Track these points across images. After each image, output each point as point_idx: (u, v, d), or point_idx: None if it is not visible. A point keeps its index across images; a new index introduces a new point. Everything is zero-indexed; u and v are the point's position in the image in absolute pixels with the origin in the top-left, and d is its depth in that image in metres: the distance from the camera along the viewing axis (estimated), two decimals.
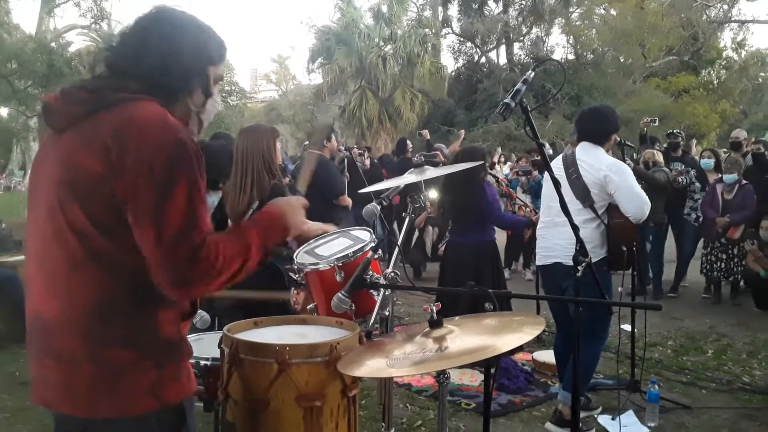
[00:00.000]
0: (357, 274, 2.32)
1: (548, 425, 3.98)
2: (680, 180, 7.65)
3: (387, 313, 2.57)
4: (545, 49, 29.57)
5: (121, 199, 1.50)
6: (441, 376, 2.17)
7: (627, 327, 5.26)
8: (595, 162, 3.84)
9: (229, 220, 3.96)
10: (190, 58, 1.64)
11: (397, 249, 2.56)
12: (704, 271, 7.55)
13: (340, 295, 2.26)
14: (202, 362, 2.37)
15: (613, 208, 3.83)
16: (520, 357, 5.22)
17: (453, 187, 5.13)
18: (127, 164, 1.48)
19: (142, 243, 1.50)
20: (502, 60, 30.10)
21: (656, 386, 4.10)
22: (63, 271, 1.54)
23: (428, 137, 11.04)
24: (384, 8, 25.47)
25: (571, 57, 29.34)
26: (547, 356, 4.97)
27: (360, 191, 3.35)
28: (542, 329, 1.91)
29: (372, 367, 1.90)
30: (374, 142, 23.08)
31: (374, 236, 2.83)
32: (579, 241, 2.56)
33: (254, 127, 3.97)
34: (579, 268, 2.60)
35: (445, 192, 5.19)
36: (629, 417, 4.06)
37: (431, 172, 2.75)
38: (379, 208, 2.67)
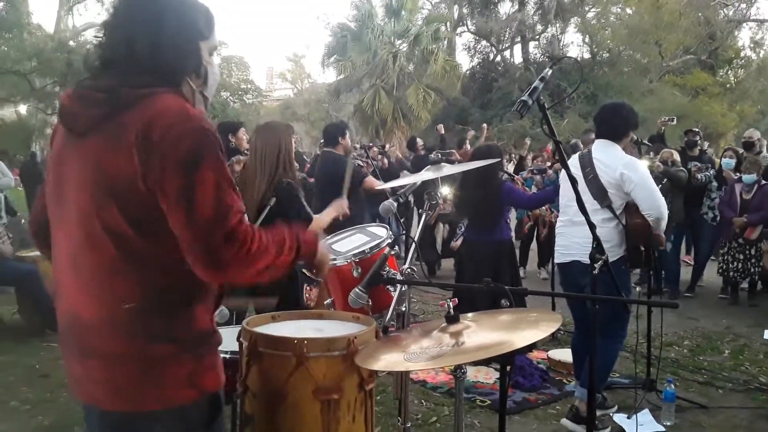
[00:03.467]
0: (374, 270, 2.34)
1: (564, 421, 3.98)
2: (699, 177, 7.58)
3: (403, 309, 2.59)
4: (560, 47, 29.42)
5: (152, 191, 1.51)
6: (458, 371, 2.18)
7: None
8: (612, 161, 3.82)
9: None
10: (179, 38, 1.60)
11: (413, 245, 2.57)
12: (720, 271, 7.50)
13: (357, 290, 2.28)
14: (221, 355, 2.40)
15: (630, 208, 3.81)
16: (535, 355, 5.22)
17: (470, 185, 5.13)
18: (155, 156, 1.49)
19: (174, 226, 1.52)
20: (518, 59, 30.04)
21: (672, 385, 4.08)
22: (101, 273, 1.56)
23: (442, 132, 11.04)
24: (395, 3, 25.35)
25: (586, 56, 29.18)
26: (563, 354, 4.96)
27: (376, 188, 3.38)
28: (558, 326, 1.92)
29: (389, 361, 1.92)
30: (388, 140, 23.08)
31: (390, 233, 2.85)
32: (596, 239, 2.56)
33: (270, 124, 4.00)
34: (595, 266, 2.60)
35: (461, 190, 5.19)
36: (645, 416, 4.05)
37: (448, 170, 2.76)
38: (395, 204, 2.69)
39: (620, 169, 3.76)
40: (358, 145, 10.84)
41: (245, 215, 1.59)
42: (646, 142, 5.27)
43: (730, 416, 4.18)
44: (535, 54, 29.93)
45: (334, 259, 2.60)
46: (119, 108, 1.54)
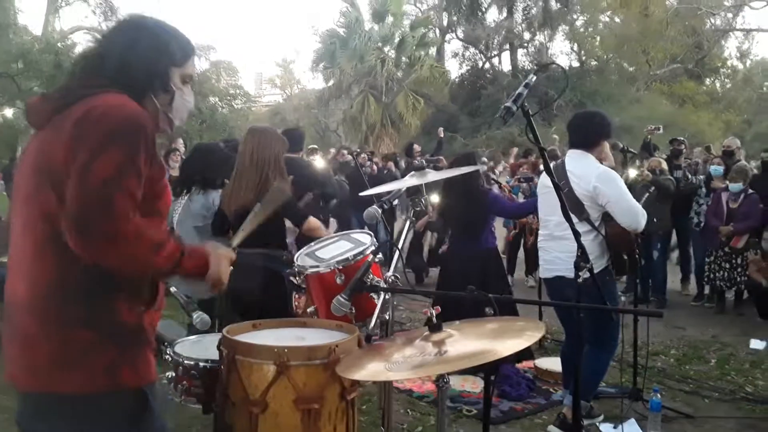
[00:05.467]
0: (357, 277, 2.31)
1: (551, 428, 3.96)
2: (690, 177, 7.60)
3: (387, 317, 2.56)
4: (549, 55, 29.59)
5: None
6: (440, 380, 2.15)
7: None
8: (585, 173, 3.72)
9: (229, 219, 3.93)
10: (149, 58, 1.74)
11: (397, 253, 2.54)
12: (706, 279, 7.52)
13: (340, 297, 2.25)
14: (201, 364, 2.36)
15: (609, 217, 3.75)
16: (522, 364, 5.18)
17: (452, 194, 5.08)
18: (83, 134, 1.57)
19: (68, 196, 1.54)
20: (506, 66, 30.16)
21: (659, 395, 4.07)
22: (29, 255, 1.64)
23: (442, 135, 11.02)
24: (379, 7, 25.34)
25: (575, 64, 29.37)
26: (549, 364, 4.94)
27: (362, 194, 3.34)
28: (542, 334, 1.89)
29: (371, 370, 1.89)
30: (377, 146, 23.07)
31: (375, 240, 2.83)
32: (580, 246, 2.54)
33: (266, 128, 3.93)
34: (580, 274, 2.58)
35: (445, 199, 5.14)
36: (631, 425, 4.03)
37: (432, 176, 2.74)
38: (380, 211, 2.66)
39: (593, 182, 3.66)
40: (345, 151, 10.82)
41: (136, 211, 1.58)
42: (632, 150, 5.27)
43: (716, 426, 4.18)
44: (524, 62, 30.08)
45: (317, 267, 2.57)
46: (69, 102, 1.65)
